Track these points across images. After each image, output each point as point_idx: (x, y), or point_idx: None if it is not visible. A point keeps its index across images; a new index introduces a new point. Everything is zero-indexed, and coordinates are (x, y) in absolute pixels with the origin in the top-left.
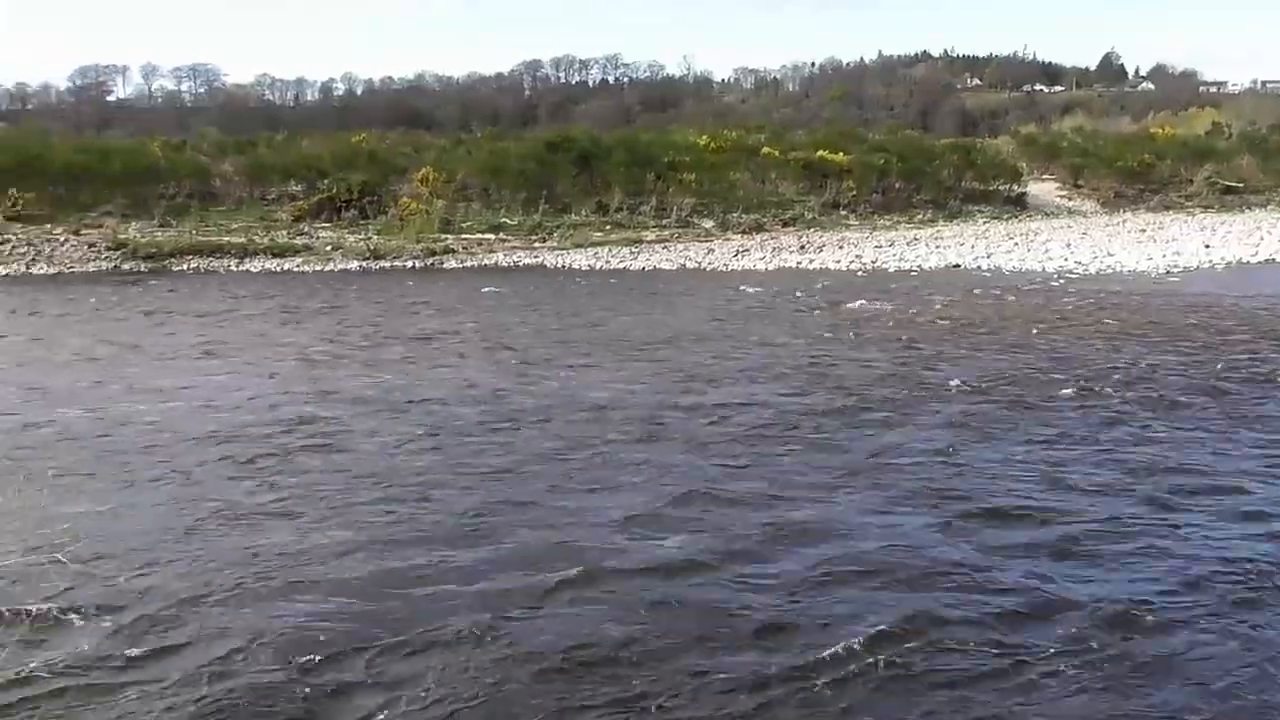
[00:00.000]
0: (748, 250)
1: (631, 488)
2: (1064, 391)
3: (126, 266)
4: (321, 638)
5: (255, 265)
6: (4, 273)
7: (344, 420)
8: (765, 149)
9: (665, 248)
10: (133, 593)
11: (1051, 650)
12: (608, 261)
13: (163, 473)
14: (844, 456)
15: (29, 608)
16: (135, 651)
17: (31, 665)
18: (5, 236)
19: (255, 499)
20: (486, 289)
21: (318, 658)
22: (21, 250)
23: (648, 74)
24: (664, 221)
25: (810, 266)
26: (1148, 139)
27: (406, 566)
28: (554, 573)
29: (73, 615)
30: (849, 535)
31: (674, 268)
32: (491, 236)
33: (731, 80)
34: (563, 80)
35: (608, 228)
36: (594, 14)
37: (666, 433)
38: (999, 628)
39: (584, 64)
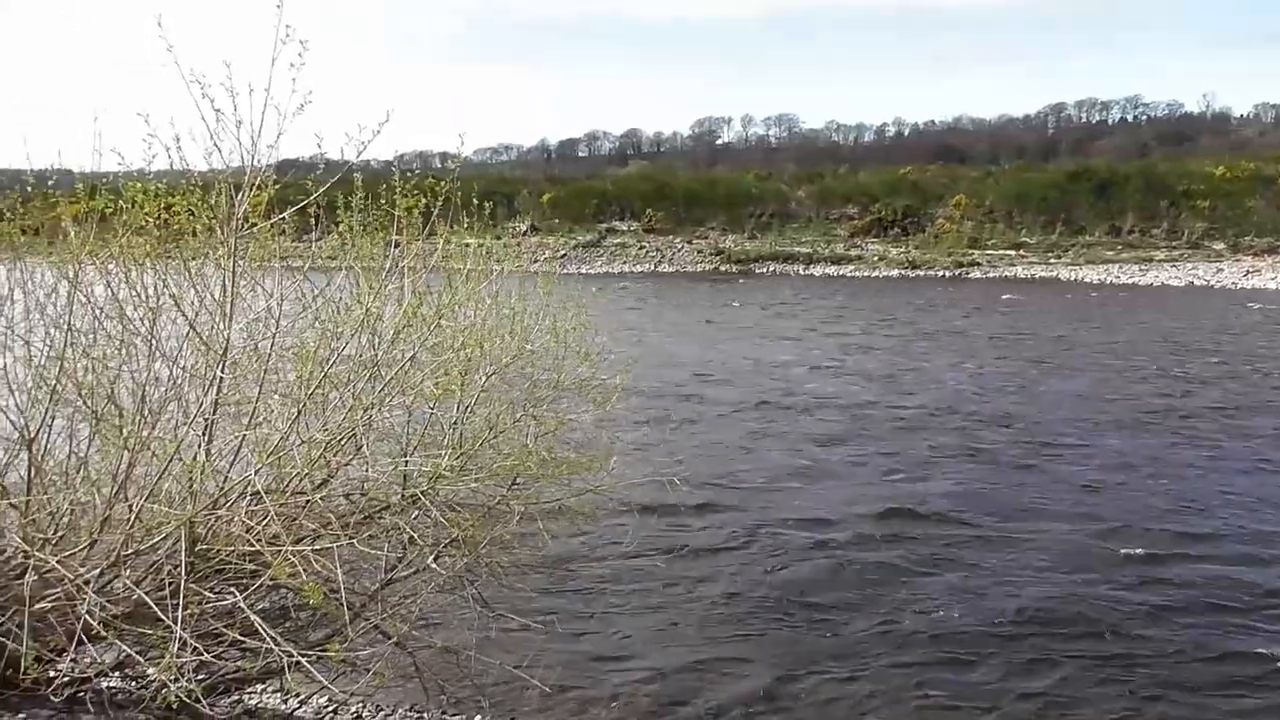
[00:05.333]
0: (1258, 270)
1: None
2: None
3: (723, 268)
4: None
5: (817, 270)
6: (640, 270)
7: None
8: None
9: (1174, 266)
10: (722, 512)
11: None
12: (1117, 277)
13: (744, 424)
14: None
15: (647, 508)
16: (708, 545)
17: (639, 546)
18: (643, 244)
19: (812, 457)
20: (1005, 296)
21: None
22: (653, 254)
23: (1166, 112)
24: (1174, 243)
25: None
26: None
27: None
28: None
29: (675, 518)
30: None
31: (1181, 284)
32: (1012, 253)
33: (1250, 115)
34: (1084, 120)
35: (1119, 247)
36: (1119, 58)
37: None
38: None
39: (1105, 105)
